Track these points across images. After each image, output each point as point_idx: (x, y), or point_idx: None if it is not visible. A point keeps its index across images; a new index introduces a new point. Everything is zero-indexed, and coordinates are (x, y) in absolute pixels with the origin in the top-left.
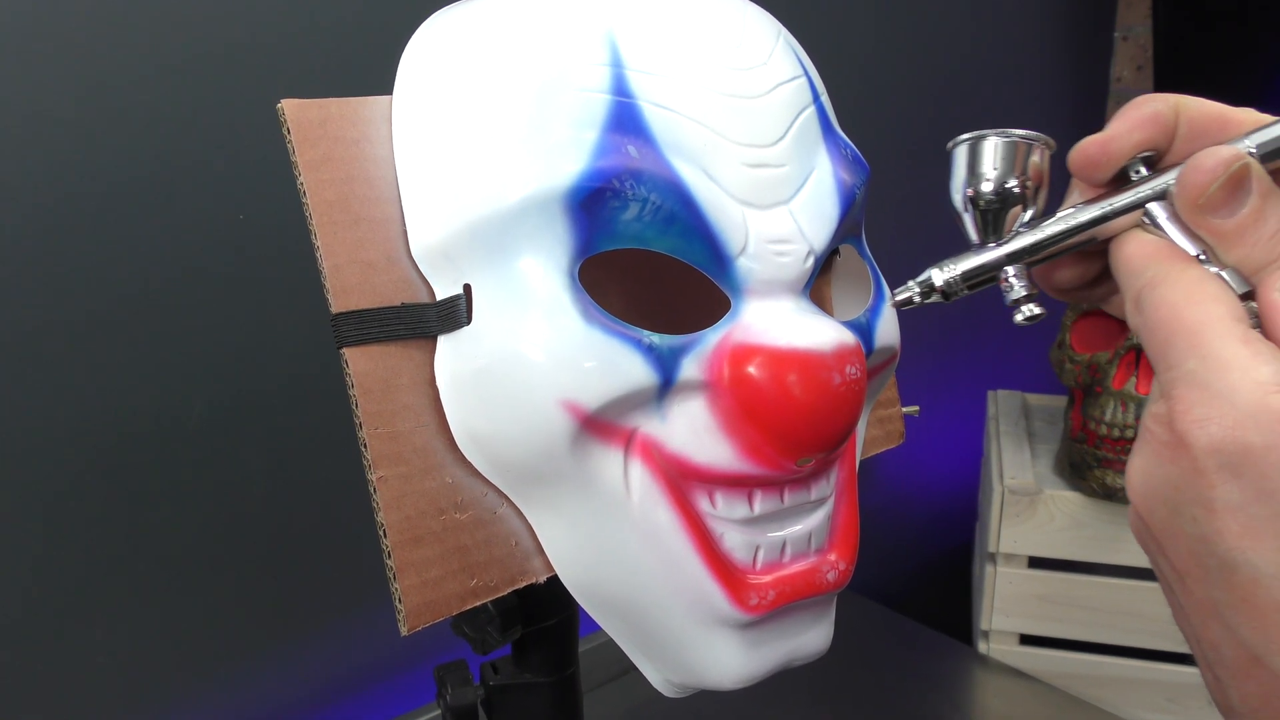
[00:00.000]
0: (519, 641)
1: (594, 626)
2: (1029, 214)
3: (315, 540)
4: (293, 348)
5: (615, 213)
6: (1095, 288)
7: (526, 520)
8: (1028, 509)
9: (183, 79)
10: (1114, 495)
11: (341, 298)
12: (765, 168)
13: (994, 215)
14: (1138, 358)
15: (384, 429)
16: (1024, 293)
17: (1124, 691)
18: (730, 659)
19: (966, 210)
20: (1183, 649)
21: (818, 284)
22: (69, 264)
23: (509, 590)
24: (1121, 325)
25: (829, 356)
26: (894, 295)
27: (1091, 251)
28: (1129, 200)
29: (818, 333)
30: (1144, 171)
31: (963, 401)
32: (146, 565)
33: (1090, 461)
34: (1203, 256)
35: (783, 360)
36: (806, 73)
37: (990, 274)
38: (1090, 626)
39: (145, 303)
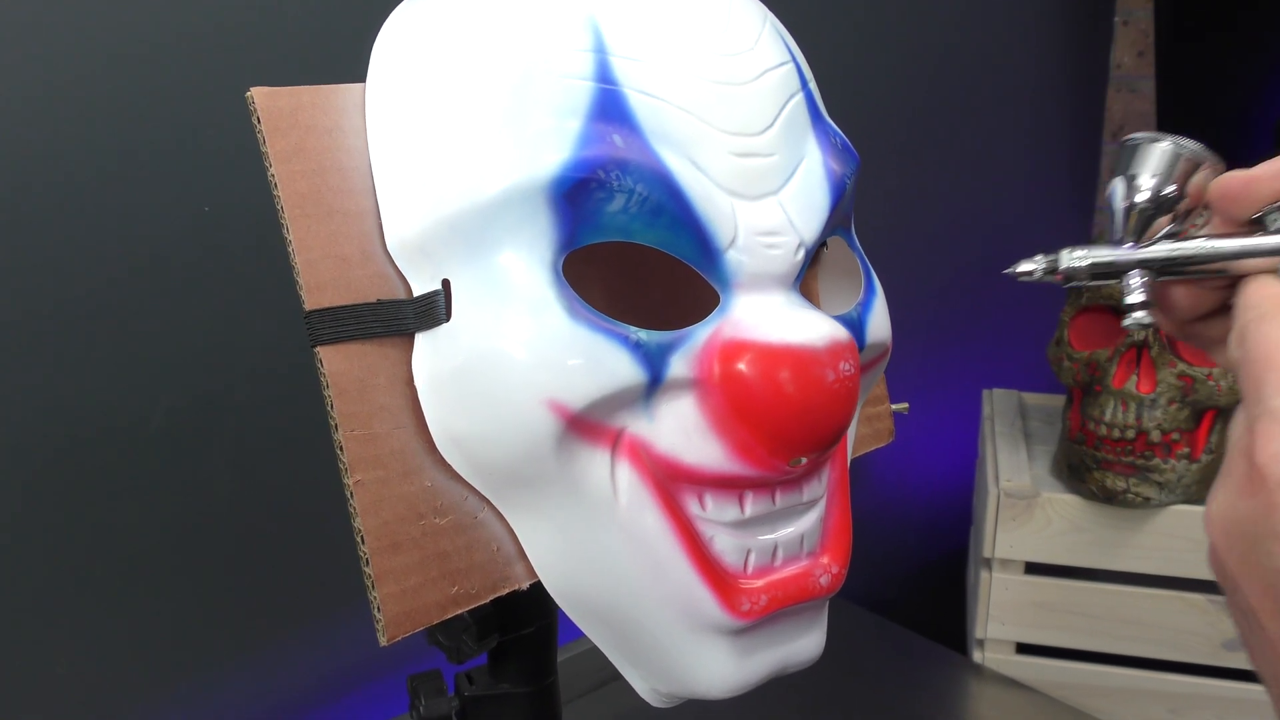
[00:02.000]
0: (495, 650)
1: (573, 634)
2: (1173, 227)
3: (286, 546)
4: (264, 346)
5: (600, 204)
6: (1203, 323)
7: (509, 525)
8: (1024, 512)
9: (147, 65)
10: (1113, 498)
11: (315, 294)
12: (754, 157)
13: (1144, 219)
14: (1138, 356)
15: (360, 431)
16: (1141, 298)
17: (1124, 702)
18: (720, 667)
19: (1122, 206)
20: (1185, 658)
21: (805, 277)
22: (27, 258)
23: (491, 598)
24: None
25: (822, 352)
26: (1016, 266)
27: (1216, 285)
28: (1274, 244)
29: (810, 328)
30: None
31: (957, 400)
32: (108, 571)
33: (1089, 463)
34: None
35: (775, 356)
36: (794, 58)
37: (1118, 273)
38: (1089, 634)
39: (107, 298)
